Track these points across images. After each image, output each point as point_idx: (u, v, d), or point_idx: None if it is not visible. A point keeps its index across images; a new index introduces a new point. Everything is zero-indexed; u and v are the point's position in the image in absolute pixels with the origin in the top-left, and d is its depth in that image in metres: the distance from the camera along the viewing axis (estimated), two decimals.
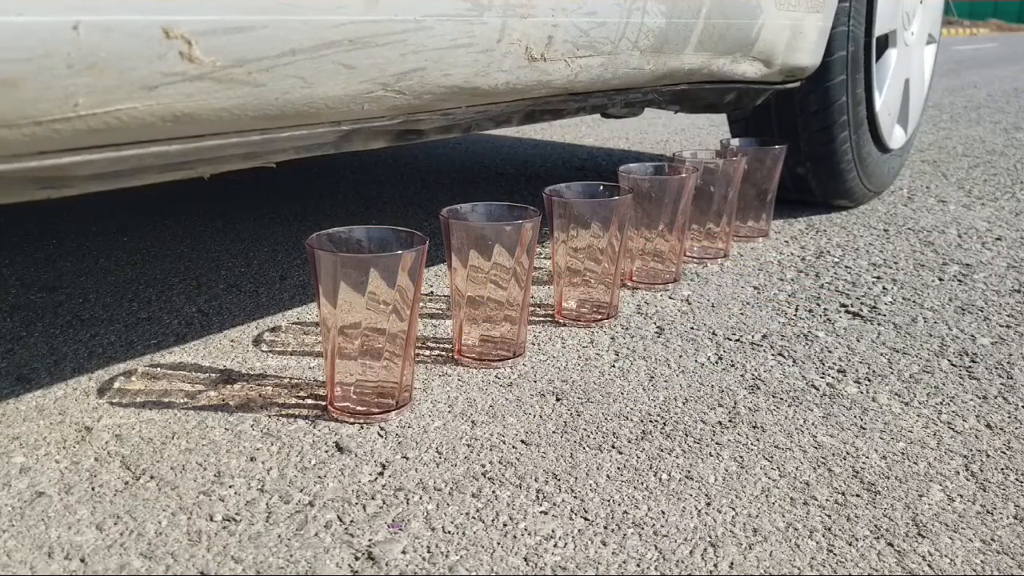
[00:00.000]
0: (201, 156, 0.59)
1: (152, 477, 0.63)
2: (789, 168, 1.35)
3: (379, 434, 0.69)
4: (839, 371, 0.82)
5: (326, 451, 0.66)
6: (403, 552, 0.54)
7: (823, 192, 1.43)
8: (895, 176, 1.61)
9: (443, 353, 0.85)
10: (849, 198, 1.45)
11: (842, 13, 1.27)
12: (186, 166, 0.60)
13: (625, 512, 0.58)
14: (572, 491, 0.61)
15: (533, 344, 0.88)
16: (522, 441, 0.68)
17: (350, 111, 0.65)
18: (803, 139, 1.35)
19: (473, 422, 0.71)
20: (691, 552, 0.54)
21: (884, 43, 1.45)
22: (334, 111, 0.64)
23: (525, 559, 0.53)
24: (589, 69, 0.84)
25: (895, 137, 1.54)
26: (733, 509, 0.59)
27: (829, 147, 1.35)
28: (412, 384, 0.74)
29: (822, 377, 0.80)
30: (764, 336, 0.91)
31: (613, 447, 0.67)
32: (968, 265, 1.16)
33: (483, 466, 0.64)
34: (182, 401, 0.75)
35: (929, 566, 0.53)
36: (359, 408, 0.71)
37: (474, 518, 0.58)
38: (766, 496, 0.60)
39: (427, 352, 0.85)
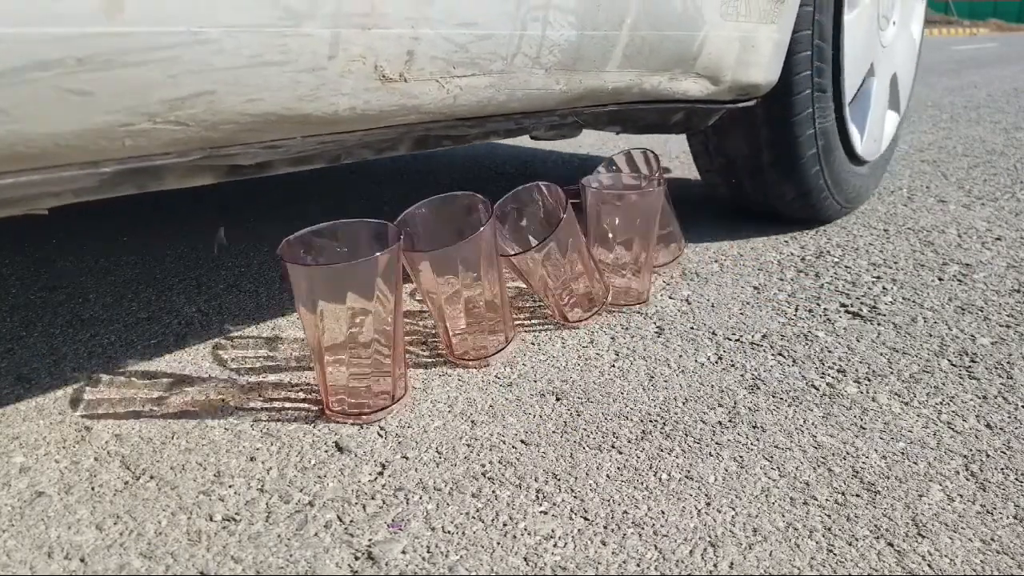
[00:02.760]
0: None
1: (152, 477, 0.63)
2: (766, 200, 1.33)
3: (379, 434, 0.69)
4: (839, 371, 0.82)
5: (326, 451, 0.66)
6: (403, 552, 0.54)
7: (798, 219, 1.38)
8: (879, 180, 1.57)
9: (443, 354, 0.85)
10: (828, 221, 1.40)
11: (805, 102, 1.18)
12: None
13: (625, 512, 0.58)
14: (572, 491, 0.61)
15: (533, 344, 0.88)
16: (522, 441, 0.68)
17: (103, 149, 0.52)
18: (778, 205, 1.31)
19: (473, 422, 0.71)
20: (691, 552, 0.54)
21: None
22: (75, 150, 0.50)
23: (525, 559, 0.53)
24: (474, 91, 0.70)
25: (885, 139, 1.49)
26: (733, 509, 0.59)
27: (810, 208, 1.31)
28: (407, 381, 0.74)
29: (822, 377, 0.80)
30: (764, 336, 0.91)
31: (613, 447, 0.67)
32: (968, 265, 1.16)
33: (483, 466, 0.64)
34: (182, 401, 0.75)
35: (929, 566, 0.53)
36: (352, 411, 0.71)
37: (474, 518, 0.58)
38: (766, 496, 0.60)
39: (427, 352, 0.85)
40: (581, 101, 0.86)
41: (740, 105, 1.11)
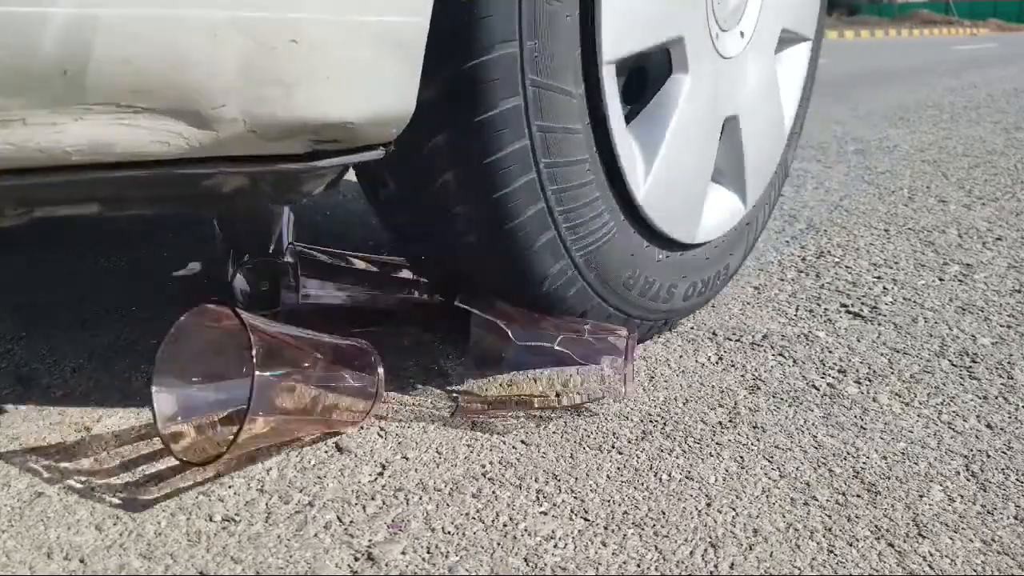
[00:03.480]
0: None
1: (152, 477, 0.63)
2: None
3: (379, 434, 0.69)
4: (839, 371, 0.82)
5: (326, 451, 0.66)
6: (403, 552, 0.54)
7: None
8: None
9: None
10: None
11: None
12: None
13: (625, 512, 0.58)
14: (572, 491, 0.61)
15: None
16: (522, 441, 0.68)
17: None
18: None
19: (473, 422, 0.71)
20: (691, 552, 0.54)
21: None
22: None
23: (525, 559, 0.53)
24: None
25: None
26: (733, 509, 0.59)
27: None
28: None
29: (822, 377, 0.80)
30: (764, 336, 0.91)
31: (613, 447, 0.67)
32: (968, 265, 1.16)
33: (483, 466, 0.64)
34: None
35: (930, 566, 0.53)
36: None
37: (474, 518, 0.58)
38: (766, 496, 0.60)
39: (424, 354, 0.85)
40: None
41: (344, 160, 0.58)
